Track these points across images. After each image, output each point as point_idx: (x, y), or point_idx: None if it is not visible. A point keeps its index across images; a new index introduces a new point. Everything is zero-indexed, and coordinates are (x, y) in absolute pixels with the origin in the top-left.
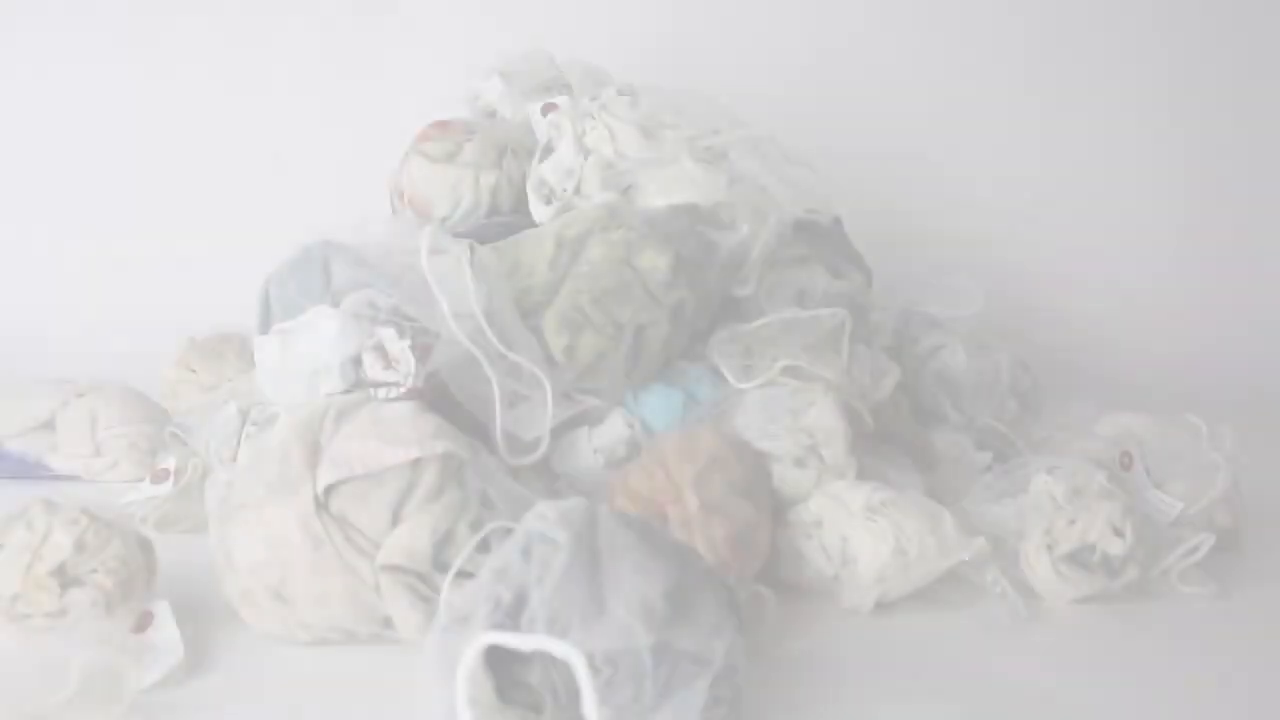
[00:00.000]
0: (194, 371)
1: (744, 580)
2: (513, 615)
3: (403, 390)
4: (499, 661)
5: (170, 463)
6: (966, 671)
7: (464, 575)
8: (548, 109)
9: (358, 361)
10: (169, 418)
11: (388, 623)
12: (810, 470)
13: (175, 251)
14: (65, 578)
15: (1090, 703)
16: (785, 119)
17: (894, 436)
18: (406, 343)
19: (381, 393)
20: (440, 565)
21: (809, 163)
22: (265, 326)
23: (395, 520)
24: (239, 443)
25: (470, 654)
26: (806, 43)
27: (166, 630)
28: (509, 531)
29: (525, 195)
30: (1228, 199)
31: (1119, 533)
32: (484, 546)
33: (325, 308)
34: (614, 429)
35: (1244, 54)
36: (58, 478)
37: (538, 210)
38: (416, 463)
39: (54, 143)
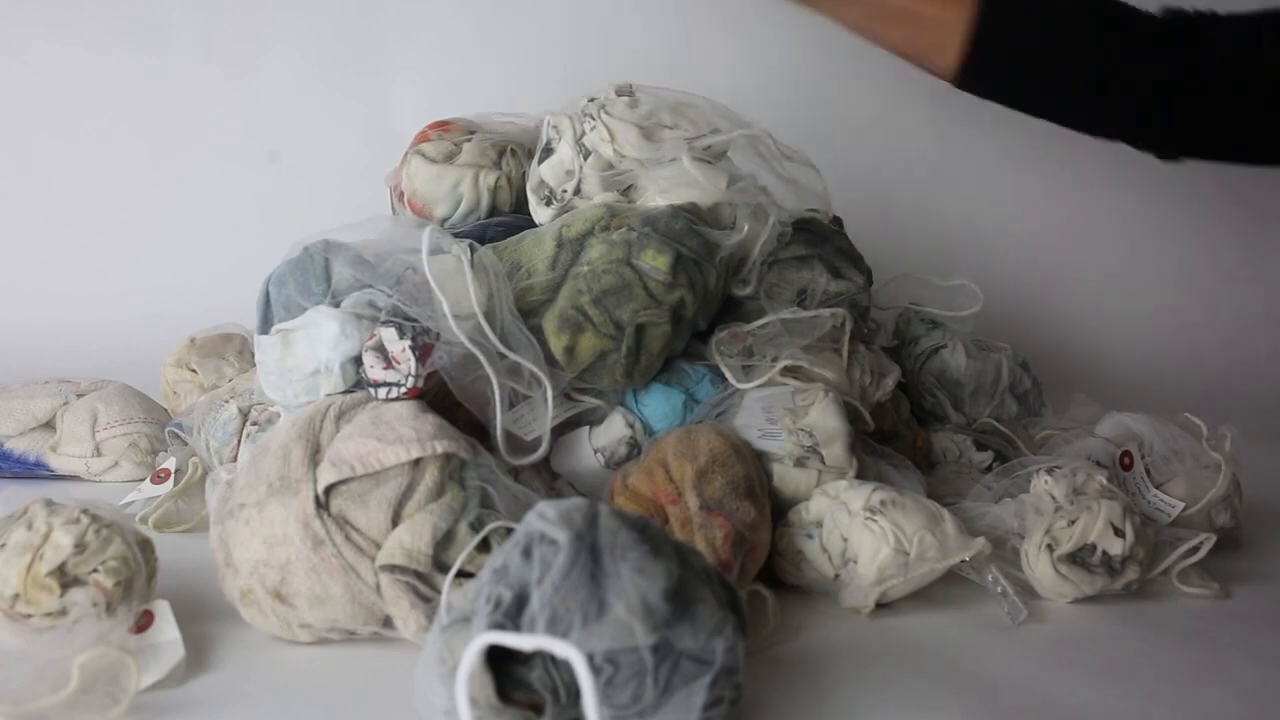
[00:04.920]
0: (194, 371)
1: (744, 580)
2: (513, 615)
3: (403, 390)
4: (499, 661)
5: (170, 463)
6: (966, 671)
7: (464, 575)
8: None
9: (358, 361)
10: (169, 418)
11: (388, 623)
12: (810, 470)
13: (175, 251)
14: (65, 578)
15: (1090, 703)
16: (785, 119)
17: (894, 436)
18: (406, 343)
19: (382, 393)
20: (440, 565)
21: (809, 162)
22: (265, 326)
23: (395, 520)
24: (239, 443)
25: (470, 654)
26: (806, 42)
27: (166, 630)
28: (509, 531)
29: (525, 195)
30: (1228, 198)
31: (1119, 533)
32: (484, 546)
33: (325, 308)
34: (614, 429)
35: None
36: (58, 478)
37: (537, 212)
38: (416, 463)
39: (53, 142)
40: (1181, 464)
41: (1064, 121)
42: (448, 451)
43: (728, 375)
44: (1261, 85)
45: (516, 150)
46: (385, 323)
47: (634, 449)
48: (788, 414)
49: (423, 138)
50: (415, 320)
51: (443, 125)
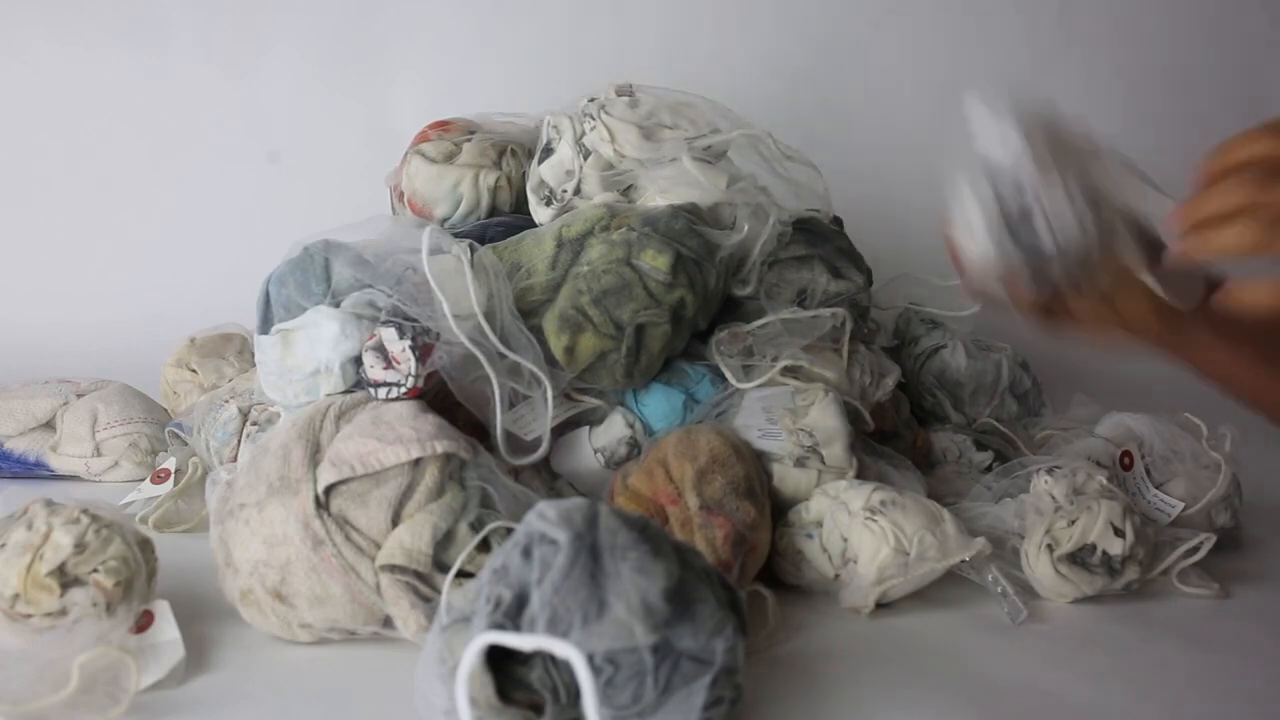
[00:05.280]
0: (194, 371)
1: (744, 580)
2: (513, 615)
3: (403, 390)
4: (499, 661)
5: (170, 463)
6: (966, 671)
7: (464, 575)
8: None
9: (358, 361)
10: (169, 418)
11: (388, 623)
12: (810, 470)
13: (175, 251)
14: (65, 578)
15: (1090, 703)
16: (786, 120)
17: (894, 436)
18: (406, 343)
19: (382, 393)
20: (440, 565)
21: (809, 162)
22: (265, 326)
23: (395, 520)
24: (239, 443)
25: (470, 654)
26: (807, 43)
27: (166, 630)
28: (509, 531)
29: (525, 195)
30: None
31: (1119, 533)
32: (484, 546)
33: (325, 308)
34: (614, 429)
35: (1243, 53)
36: (58, 478)
37: (538, 212)
38: (416, 463)
39: (53, 142)
40: (1181, 464)
41: None
42: (448, 451)
43: (728, 375)
44: None
45: (516, 150)
46: (385, 323)
47: (634, 449)
48: (788, 414)
49: (423, 138)
50: (415, 320)
51: (443, 125)
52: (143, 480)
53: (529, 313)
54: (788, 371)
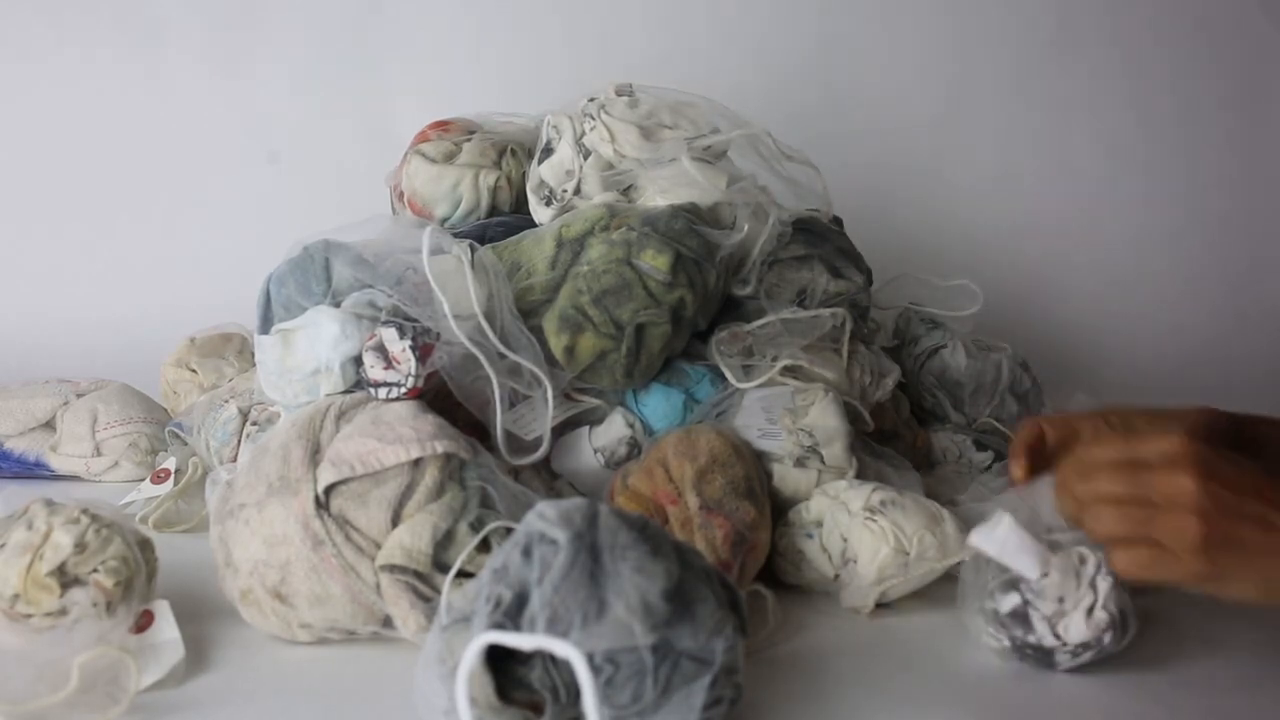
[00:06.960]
0: (194, 371)
1: (744, 580)
2: (513, 615)
3: (403, 390)
4: (499, 661)
5: (170, 463)
6: (966, 671)
7: (464, 575)
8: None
9: (358, 361)
10: (169, 418)
11: (388, 623)
12: (810, 470)
13: (175, 251)
14: (65, 577)
15: (1090, 703)
16: (785, 119)
17: (894, 436)
18: (406, 343)
19: (382, 393)
20: (440, 565)
21: (809, 162)
22: (265, 326)
23: (395, 520)
24: (239, 443)
25: (470, 654)
26: (807, 43)
27: (166, 630)
28: (509, 531)
29: (525, 195)
30: (1226, 198)
31: None
32: (484, 546)
33: (325, 308)
34: (614, 429)
35: (1241, 54)
36: (58, 478)
37: (538, 212)
38: (416, 463)
39: (53, 142)
40: None
41: None
42: (448, 451)
43: (728, 375)
44: None
45: (516, 150)
46: (385, 323)
47: (634, 449)
48: (788, 414)
49: (423, 138)
50: (415, 320)
51: (443, 125)
52: (143, 480)
53: (529, 313)
54: (788, 371)
